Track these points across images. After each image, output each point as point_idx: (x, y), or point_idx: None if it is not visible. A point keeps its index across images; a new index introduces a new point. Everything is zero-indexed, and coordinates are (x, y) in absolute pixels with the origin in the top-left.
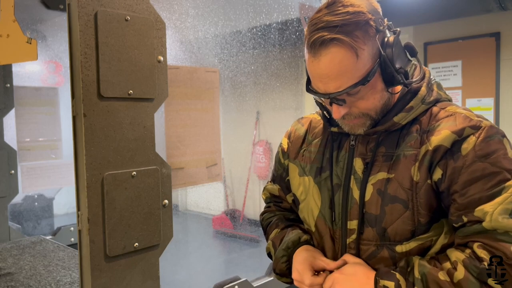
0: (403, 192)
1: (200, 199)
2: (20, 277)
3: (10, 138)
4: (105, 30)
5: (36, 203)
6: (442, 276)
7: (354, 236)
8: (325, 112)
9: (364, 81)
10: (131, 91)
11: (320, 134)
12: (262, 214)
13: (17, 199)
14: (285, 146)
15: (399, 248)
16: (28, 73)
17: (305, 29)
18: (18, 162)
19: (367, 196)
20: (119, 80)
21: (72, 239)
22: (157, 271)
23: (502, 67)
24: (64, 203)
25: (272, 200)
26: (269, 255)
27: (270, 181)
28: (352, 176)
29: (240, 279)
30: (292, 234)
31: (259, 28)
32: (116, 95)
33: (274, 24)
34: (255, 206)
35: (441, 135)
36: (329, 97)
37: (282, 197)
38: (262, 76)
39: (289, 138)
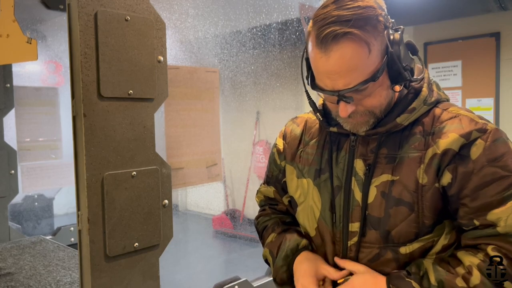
0: (409, 195)
1: (200, 199)
2: (20, 277)
3: (10, 138)
4: (105, 30)
5: (36, 203)
6: (459, 283)
7: (355, 239)
8: (318, 114)
9: (374, 77)
10: (131, 91)
11: (317, 134)
12: (257, 218)
13: (17, 199)
14: (281, 146)
15: (403, 250)
16: (28, 73)
17: (305, 29)
18: (18, 162)
19: (370, 198)
20: (119, 80)
21: (72, 239)
22: (157, 271)
23: (502, 67)
24: (64, 203)
25: (267, 202)
26: (266, 261)
27: (264, 183)
28: (353, 178)
29: (240, 279)
30: (290, 242)
31: (259, 28)
32: (116, 95)
33: (274, 24)
34: (255, 206)
35: (449, 139)
36: (337, 95)
37: (277, 199)
38: (262, 76)
39: (284, 138)
